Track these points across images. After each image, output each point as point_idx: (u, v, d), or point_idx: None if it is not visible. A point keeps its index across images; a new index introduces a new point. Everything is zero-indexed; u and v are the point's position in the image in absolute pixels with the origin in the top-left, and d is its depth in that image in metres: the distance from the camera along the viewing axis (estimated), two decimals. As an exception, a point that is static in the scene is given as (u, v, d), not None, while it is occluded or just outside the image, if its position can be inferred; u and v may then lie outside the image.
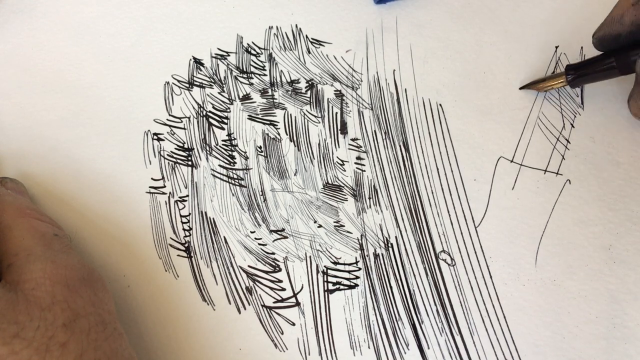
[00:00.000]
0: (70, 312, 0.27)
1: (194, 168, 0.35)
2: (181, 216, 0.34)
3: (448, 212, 0.34)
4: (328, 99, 0.37)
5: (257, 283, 0.33)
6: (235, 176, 0.35)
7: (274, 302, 0.33)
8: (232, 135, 0.36)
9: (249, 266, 0.34)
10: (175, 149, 0.36)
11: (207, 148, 0.36)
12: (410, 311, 0.32)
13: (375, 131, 0.36)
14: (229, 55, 0.38)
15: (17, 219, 0.30)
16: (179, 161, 0.36)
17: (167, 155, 0.36)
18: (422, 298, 0.33)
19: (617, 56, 0.32)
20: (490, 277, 0.33)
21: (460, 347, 0.32)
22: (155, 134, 0.36)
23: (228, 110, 0.37)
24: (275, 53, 0.38)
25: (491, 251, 0.33)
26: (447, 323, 0.32)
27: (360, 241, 0.34)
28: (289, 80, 0.37)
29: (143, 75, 0.37)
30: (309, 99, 0.37)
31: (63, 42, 0.38)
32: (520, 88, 0.36)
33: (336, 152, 0.36)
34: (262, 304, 0.33)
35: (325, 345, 0.32)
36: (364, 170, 0.35)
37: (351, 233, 0.34)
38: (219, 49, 0.38)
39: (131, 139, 0.36)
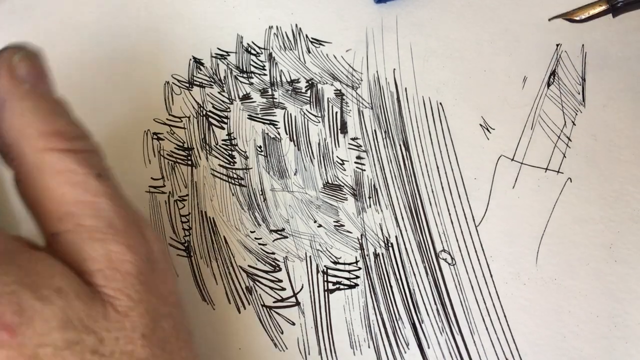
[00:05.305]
0: (149, 318, 0.23)
1: (193, 167, 0.35)
2: (181, 216, 0.34)
3: (448, 211, 0.34)
4: (328, 98, 0.37)
5: (257, 283, 0.33)
6: (235, 176, 0.35)
7: (274, 302, 0.33)
8: (231, 135, 0.36)
9: (248, 266, 0.34)
10: (175, 148, 0.36)
11: (207, 147, 0.36)
12: (410, 311, 0.32)
13: (375, 130, 0.36)
14: (228, 55, 0.38)
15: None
16: (178, 161, 0.36)
17: (167, 154, 0.36)
18: (422, 297, 0.32)
19: None
20: (491, 276, 0.33)
21: (461, 346, 0.32)
22: (154, 133, 0.36)
23: (228, 110, 0.37)
24: (275, 53, 0.38)
25: (491, 250, 0.33)
26: (447, 322, 0.32)
27: (360, 241, 0.34)
28: (288, 80, 0.37)
29: (143, 75, 0.37)
30: (308, 99, 0.37)
31: (63, 42, 0.38)
32: (550, 19, 0.34)
33: (336, 151, 0.36)
34: (262, 303, 0.33)
35: (325, 345, 0.32)
36: (364, 170, 0.35)
37: (351, 233, 0.34)
38: (218, 48, 0.38)
39: (130, 139, 0.36)
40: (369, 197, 0.35)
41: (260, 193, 0.35)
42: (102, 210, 0.23)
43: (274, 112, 0.37)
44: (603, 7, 0.31)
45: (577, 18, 0.32)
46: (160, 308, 0.23)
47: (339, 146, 0.36)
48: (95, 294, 0.22)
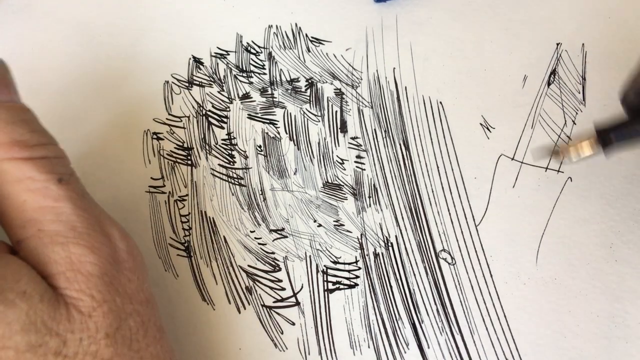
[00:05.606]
0: (112, 317, 0.23)
1: (193, 167, 0.35)
2: (181, 216, 0.34)
3: (448, 210, 0.34)
4: (328, 97, 0.37)
5: (256, 283, 0.33)
6: (234, 175, 0.35)
7: (274, 302, 0.33)
8: (231, 135, 0.36)
9: (248, 266, 0.33)
10: (175, 148, 0.36)
11: (207, 147, 0.36)
12: (410, 310, 0.32)
13: (375, 129, 0.36)
14: (228, 54, 0.38)
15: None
16: (178, 160, 0.36)
17: (167, 154, 0.36)
18: (422, 297, 0.32)
19: None
20: (491, 275, 0.33)
21: (461, 346, 0.32)
22: (154, 133, 0.36)
23: (227, 110, 0.37)
24: (275, 52, 0.38)
25: (492, 250, 0.33)
26: (447, 322, 0.32)
27: (360, 240, 0.34)
28: (288, 79, 0.37)
29: (143, 74, 0.37)
30: (308, 98, 0.37)
31: (63, 42, 0.38)
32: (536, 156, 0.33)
33: (336, 150, 0.35)
34: (262, 303, 0.33)
35: (325, 345, 0.32)
36: (364, 169, 0.35)
37: (351, 232, 0.34)
38: (218, 47, 0.38)
39: (130, 138, 0.36)
40: (369, 197, 0.35)
41: (260, 193, 0.35)
42: (63, 214, 0.23)
43: (274, 112, 0.36)
44: (591, 151, 0.28)
45: (566, 159, 0.30)
46: (125, 307, 0.24)
47: (338, 145, 0.36)
48: (59, 296, 0.22)
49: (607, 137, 0.27)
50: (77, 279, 0.23)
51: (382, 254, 0.33)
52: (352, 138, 0.36)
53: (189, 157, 0.36)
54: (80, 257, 0.23)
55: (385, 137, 0.36)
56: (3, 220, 0.24)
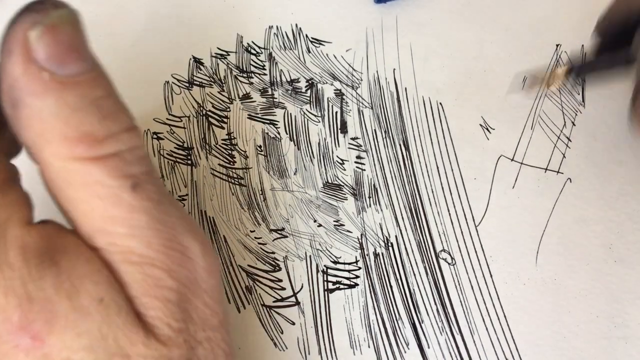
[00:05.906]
0: (185, 348, 0.20)
1: (193, 167, 0.35)
2: (181, 215, 0.34)
3: (448, 211, 0.34)
4: (328, 98, 0.37)
5: (256, 282, 0.33)
6: (234, 175, 0.35)
7: (274, 302, 0.33)
8: (231, 135, 0.36)
9: (248, 265, 0.33)
10: (175, 148, 0.36)
11: (207, 147, 0.36)
12: (410, 310, 0.32)
13: (375, 130, 0.36)
14: (228, 55, 0.38)
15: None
16: (178, 160, 0.36)
17: (167, 154, 0.36)
18: (422, 297, 0.32)
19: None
20: (491, 276, 0.33)
21: (461, 346, 0.32)
22: (154, 133, 0.36)
23: (228, 110, 0.37)
24: (275, 52, 0.38)
25: (491, 250, 0.33)
26: (447, 322, 0.32)
27: (360, 240, 0.34)
28: (288, 80, 0.37)
29: (143, 74, 0.37)
30: (308, 98, 0.37)
31: (63, 41, 0.38)
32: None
33: (336, 151, 0.36)
34: (262, 303, 0.33)
35: (325, 345, 0.32)
36: (364, 169, 0.35)
37: (351, 232, 0.34)
38: (218, 48, 0.38)
39: (131, 138, 0.36)
40: (369, 197, 0.35)
41: (260, 192, 0.35)
42: (137, 228, 0.20)
43: (274, 112, 0.36)
44: (561, 79, 0.32)
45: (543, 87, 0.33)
46: (197, 334, 0.21)
47: (338, 146, 0.36)
48: (138, 315, 0.20)
49: (574, 68, 0.32)
50: (154, 306, 0.20)
51: (382, 254, 0.33)
52: (352, 138, 0.36)
53: (189, 157, 0.36)
54: (157, 281, 0.20)
55: (385, 137, 0.36)
56: (69, 221, 0.21)
